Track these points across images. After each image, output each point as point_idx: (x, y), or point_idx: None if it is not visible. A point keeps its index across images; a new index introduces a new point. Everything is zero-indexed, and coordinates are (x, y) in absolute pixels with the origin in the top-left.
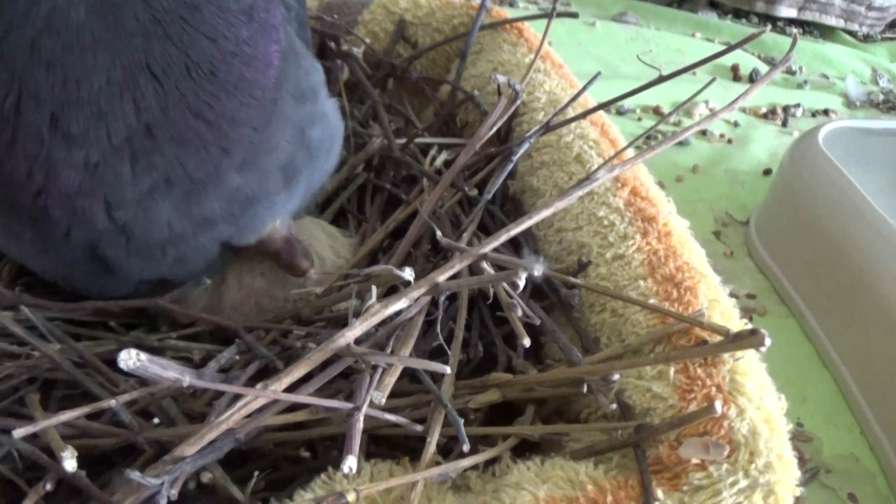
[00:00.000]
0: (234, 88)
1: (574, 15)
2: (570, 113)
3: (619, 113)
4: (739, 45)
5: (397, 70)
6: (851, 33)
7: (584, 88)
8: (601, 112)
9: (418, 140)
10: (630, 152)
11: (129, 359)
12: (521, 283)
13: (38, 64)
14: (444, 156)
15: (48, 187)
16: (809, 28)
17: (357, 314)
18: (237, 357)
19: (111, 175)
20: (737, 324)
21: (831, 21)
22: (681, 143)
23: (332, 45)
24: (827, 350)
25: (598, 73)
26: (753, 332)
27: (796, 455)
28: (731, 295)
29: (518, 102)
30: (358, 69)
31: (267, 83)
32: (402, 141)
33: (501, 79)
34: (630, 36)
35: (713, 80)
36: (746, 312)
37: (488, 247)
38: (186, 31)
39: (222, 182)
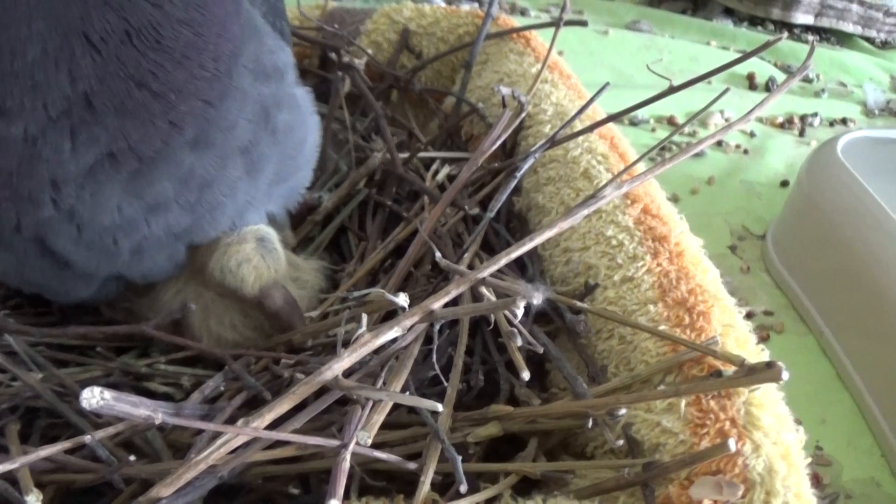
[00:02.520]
0: (181, 57)
1: (583, 23)
2: (578, 126)
3: (633, 123)
4: (754, 52)
5: (401, 82)
6: (869, 40)
7: (592, 100)
8: (611, 124)
9: (421, 154)
10: (641, 166)
11: (92, 397)
12: (520, 313)
13: None
14: (446, 170)
15: None
16: (826, 35)
17: (346, 343)
18: (223, 388)
19: (51, 150)
20: (753, 350)
21: (848, 27)
22: (696, 154)
23: (334, 56)
24: (847, 369)
25: (607, 84)
26: (770, 364)
27: (814, 482)
28: (748, 314)
29: (523, 115)
30: (360, 81)
31: (220, 54)
32: (405, 155)
33: (505, 90)
34: (644, 44)
35: (727, 89)
36: (763, 330)
37: (487, 271)
38: None
39: (173, 160)
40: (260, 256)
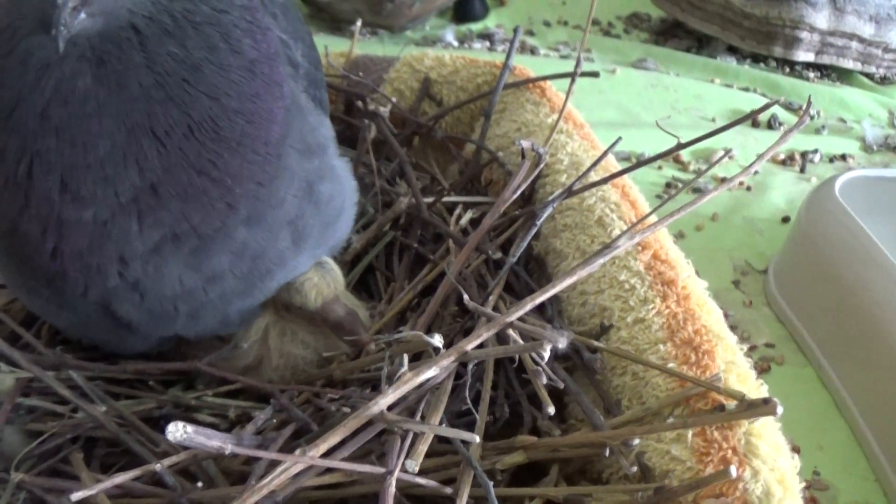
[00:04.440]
0: (237, 145)
1: (595, 74)
2: (593, 176)
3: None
4: (767, 107)
5: (423, 129)
6: (869, 75)
7: (604, 154)
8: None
9: (445, 199)
10: (654, 220)
11: (177, 431)
12: (546, 355)
13: (48, 132)
14: (469, 215)
15: (61, 246)
16: (827, 71)
17: (389, 380)
18: (273, 420)
19: (120, 231)
20: (753, 385)
21: (848, 64)
22: (700, 192)
23: (359, 104)
24: (843, 398)
25: (619, 139)
26: (766, 400)
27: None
28: (751, 347)
29: (541, 166)
30: (385, 128)
31: (270, 138)
32: (430, 200)
33: (525, 144)
34: (650, 82)
35: (728, 153)
36: (765, 361)
37: (514, 315)
38: (188, 91)
39: (229, 237)
40: (320, 276)
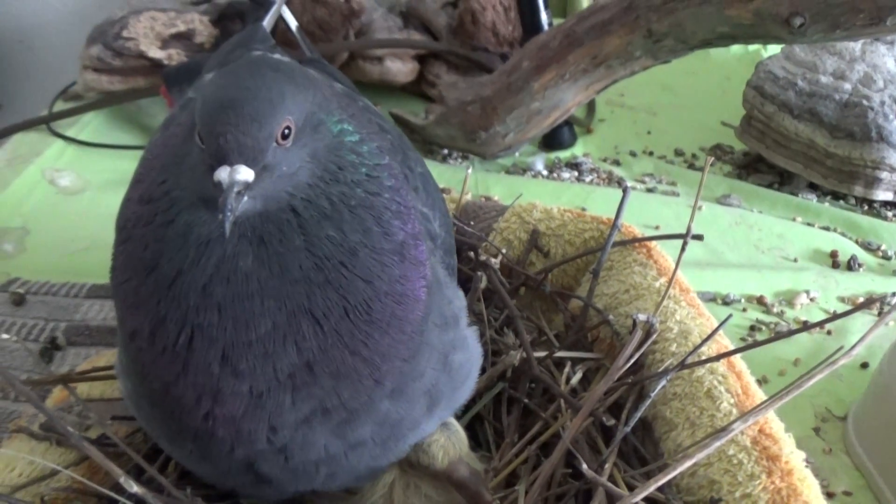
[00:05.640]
0: (386, 326)
1: (699, 237)
2: (703, 347)
3: (725, 303)
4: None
5: (531, 281)
6: None
7: (716, 331)
8: (725, 339)
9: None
10: (758, 393)
11: None
12: None
13: (210, 307)
14: (579, 375)
15: (215, 411)
16: None
17: None
18: None
19: (274, 404)
20: None
21: None
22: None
23: (472, 254)
24: None
25: (730, 316)
26: None
27: None
28: (829, 494)
29: (654, 337)
30: (496, 280)
31: (415, 318)
32: (539, 355)
33: (642, 317)
34: (734, 220)
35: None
36: None
37: (638, 496)
38: (345, 275)
39: (374, 409)
40: (446, 437)
